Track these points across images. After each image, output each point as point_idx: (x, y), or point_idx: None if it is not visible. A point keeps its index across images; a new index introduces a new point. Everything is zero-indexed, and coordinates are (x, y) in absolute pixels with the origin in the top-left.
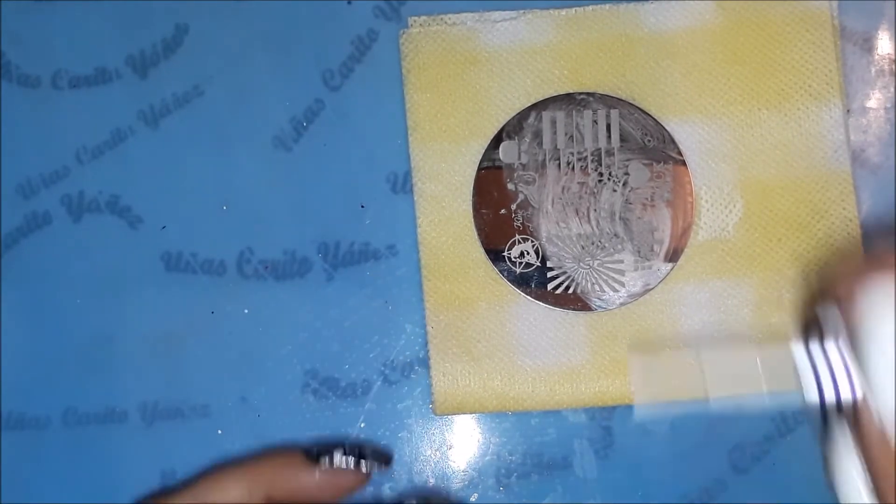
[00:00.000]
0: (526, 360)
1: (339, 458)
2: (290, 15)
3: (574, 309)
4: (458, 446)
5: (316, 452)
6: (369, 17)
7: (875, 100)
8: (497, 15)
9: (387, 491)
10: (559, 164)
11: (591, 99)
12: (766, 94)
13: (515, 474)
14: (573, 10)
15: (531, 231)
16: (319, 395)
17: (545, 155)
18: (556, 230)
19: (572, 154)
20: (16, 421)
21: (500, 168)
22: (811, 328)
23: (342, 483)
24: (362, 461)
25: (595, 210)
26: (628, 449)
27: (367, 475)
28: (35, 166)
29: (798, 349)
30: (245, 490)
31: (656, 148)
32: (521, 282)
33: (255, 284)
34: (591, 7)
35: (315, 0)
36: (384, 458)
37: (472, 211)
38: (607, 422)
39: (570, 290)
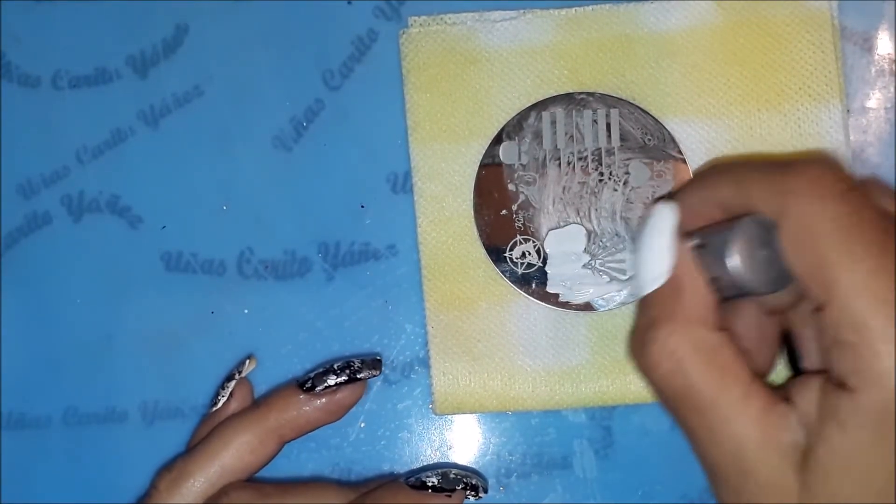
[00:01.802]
0: (526, 360)
1: (333, 381)
2: (290, 15)
3: (575, 309)
4: (458, 446)
5: (311, 383)
6: (369, 17)
7: (875, 100)
8: (497, 15)
9: None
10: (559, 164)
11: (591, 98)
12: (766, 94)
13: (515, 474)
14: (573, 10)
15: (532, 231)
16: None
17: (545, 155)
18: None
19: (573, 154)
20: (16, 421)
21: (500, 168)
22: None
23: (343, 401)
24: (356, 375)
25: (596, 209)
26: (628, 449)
27: (364, 385)
28: (35, 166)
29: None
30: (256, 441)
31: (657, 147)
32: (523, 282)
33: (255, 284)
34: (591, 7)
35: (315, 0)
36: (374, 363)
37: (472, 211)
38: (607, 422)
39: None
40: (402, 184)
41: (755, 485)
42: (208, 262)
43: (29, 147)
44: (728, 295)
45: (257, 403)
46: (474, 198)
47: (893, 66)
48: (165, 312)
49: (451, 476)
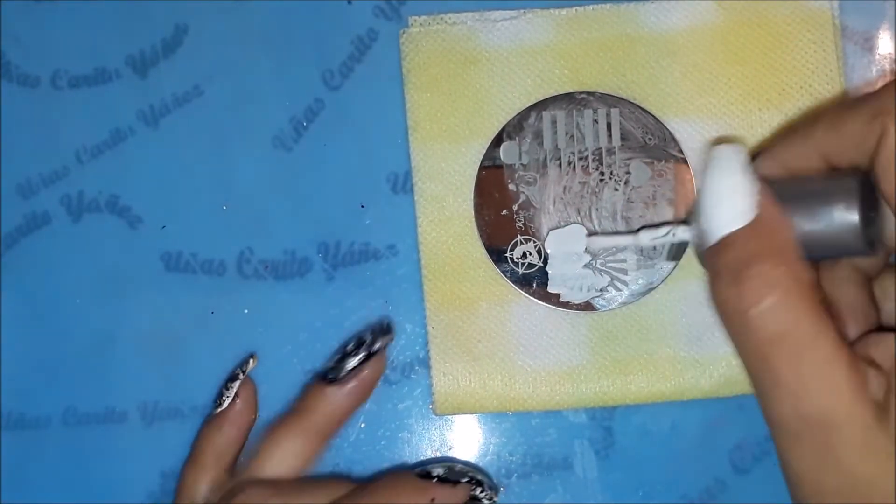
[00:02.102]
0: (526, 360)
1: (354, 363)
2: (290, 15)
3: (577, 309)
4: (459, 446)
5: (333, 372)
6: (369, 17)
7: None
8: (497, 14)
9: None
10: (560, 164)
11: (591, 98)
12: (767, 93)
13: (516, 474)
14: (573, 9)
15: (533, 231)
16: None
17: (546, 155)
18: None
19: (573, 154)
20: (16, 421)
21: (500, 168)
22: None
23: (369, 379)
24: (372, 348)
25: (597, 209)
26: (628, 449)
27: (384, 355)
28: (35, 166)
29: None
30: (301, 446)
31: (657, 146)
32: (524, 282)
33: (255, 284)
34: (591, 7)
35: (315, 0)
36: (385, 329)
37: (472, 211)
38: (608, 422)
39: None
40: (403, 184)
41: (843, 439)
42: (208, 262)
43: (28, 147)
44: (817, 258)
45: (291, 411)
46: (475, 198)
47: (894, 66)
48: (165, 312)
49: (457, 469)
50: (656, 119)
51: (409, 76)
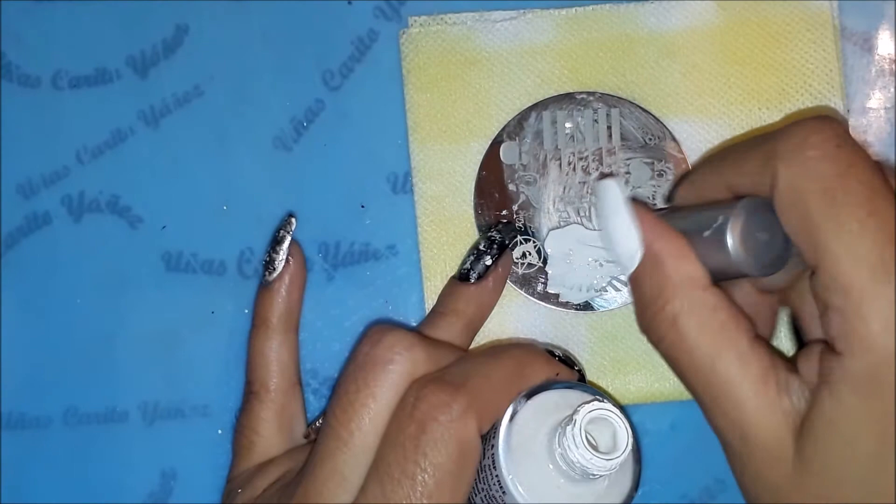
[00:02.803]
0: None
1: (490, 261)
2: (290, 15)
3: (576, 309)
4: None
5: (475, 273)
6: (369, 18)
7: (875, 100)
8: (497, 15)
9: None
10: (560, 164)
11: (591, 98)
12: (767, 93)
13: None
14: (573, 9)
15: (533, 231)
16: (320, 395)
17: (546, 155)
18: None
19: (573, 154)
20: (16, 421)
21: (500, 168)
22: None
23: (504, 274)
24: (503, 244)
25: (596, 209)
26: None
27: (511, 253)
28: (35, 166)
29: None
30: (458, 344)
31: (657, 146)
32: (523, 282)
33: (255, 284)
34: (591, 7)
35: (315, 0)
36: (509, 228)
37: (472, 211)
38: None
39: None
40: (402, 184)
41: (755, 450)
42: (208, 262)
43: (29, 147)
44: (722, 278)
45: (440, 315)
46: (475, 198)
47: (893, 67)
48: (166, 312)
49: (571, 356)
50: (656, 119)
51: (409, 76)
